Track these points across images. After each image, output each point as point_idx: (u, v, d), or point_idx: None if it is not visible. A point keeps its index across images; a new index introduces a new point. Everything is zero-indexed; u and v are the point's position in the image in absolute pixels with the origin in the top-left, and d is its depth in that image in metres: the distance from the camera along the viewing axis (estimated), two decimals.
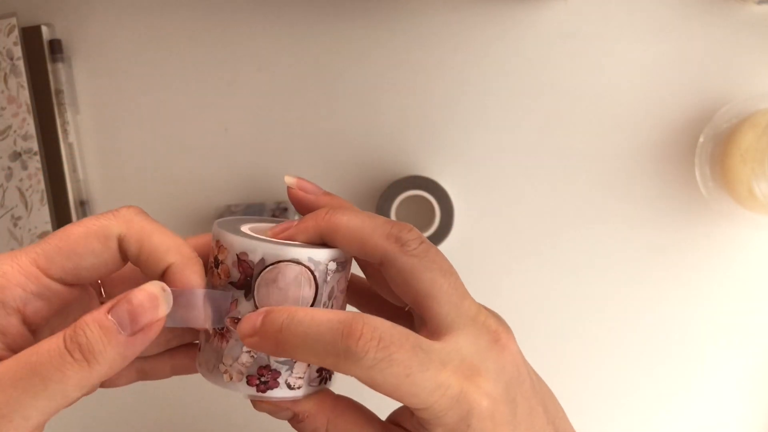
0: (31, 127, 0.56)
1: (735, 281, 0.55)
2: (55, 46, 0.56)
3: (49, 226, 0.56)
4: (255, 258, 0.30)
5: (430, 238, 0.52)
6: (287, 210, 0.53)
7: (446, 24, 0.55)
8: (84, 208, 0.57)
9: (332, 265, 0.31)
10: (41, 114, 0.56)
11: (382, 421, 0.33)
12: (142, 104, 0.57)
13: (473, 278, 0.56)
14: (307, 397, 0.32)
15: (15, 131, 0.56)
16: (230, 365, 0.31)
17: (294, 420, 0.32)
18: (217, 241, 0.32)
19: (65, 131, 0.56)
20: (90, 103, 0.57)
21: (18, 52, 0.55)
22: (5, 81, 0.56)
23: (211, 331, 0.32)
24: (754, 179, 0.48)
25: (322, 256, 0.31)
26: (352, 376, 0.28)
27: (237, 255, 0.30)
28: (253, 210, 0.53)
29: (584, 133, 0.55)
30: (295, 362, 0.31)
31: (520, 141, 0.55)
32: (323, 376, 0.33)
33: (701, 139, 0.52)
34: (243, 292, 0.31)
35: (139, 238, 0.30)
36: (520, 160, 0.55)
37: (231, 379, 0.31)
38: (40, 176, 0.56)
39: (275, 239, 0.32)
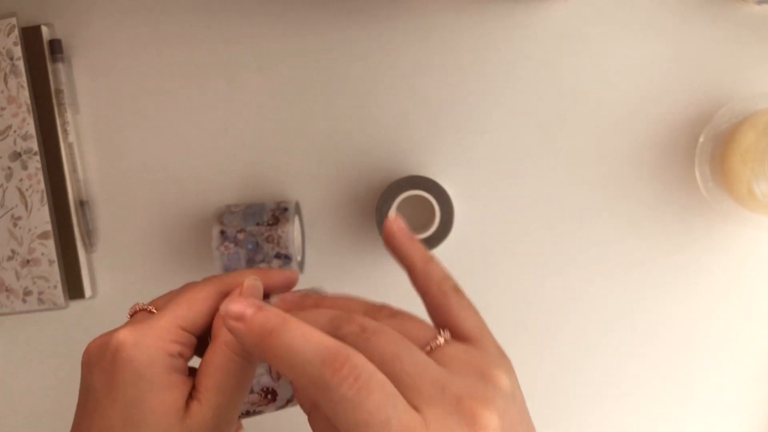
0: (31, 127, 0.56)
1: (735, 281, 0.55)
2: (55, 46, 0.56)
3: (48, 226, 0.56)
4: None
5: (430, 238, 0.52)
6: (287, 210, 0.53)
7: (446, 24, 0.55)
8: (84, 208, 0.57)
9: None
10: (41, 114, 0.56)
11: None
12: (142, 104, 0.57)
13: (473, 278, 0.56)
14: None
15: (15, 131, 0.56)
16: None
17: None
18: None
19: (65, 131, 0.56)
20: (90, 103, 0.57)
21: (18, 52, 0.55)
22: (5, 81, 0.56)
23: None
24: (754, 179, 0.48)
25: None
26: (320, 405, 0.27)
27: None
28: (253, 210, 0.53)
29: (584, 133, 0.55)
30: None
31: (520, 141, 0.55)
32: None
33: (701, 139, 0.52)
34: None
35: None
36: (520, 159, 0.55)
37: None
38: (40, 176, 0.56)
39: None
